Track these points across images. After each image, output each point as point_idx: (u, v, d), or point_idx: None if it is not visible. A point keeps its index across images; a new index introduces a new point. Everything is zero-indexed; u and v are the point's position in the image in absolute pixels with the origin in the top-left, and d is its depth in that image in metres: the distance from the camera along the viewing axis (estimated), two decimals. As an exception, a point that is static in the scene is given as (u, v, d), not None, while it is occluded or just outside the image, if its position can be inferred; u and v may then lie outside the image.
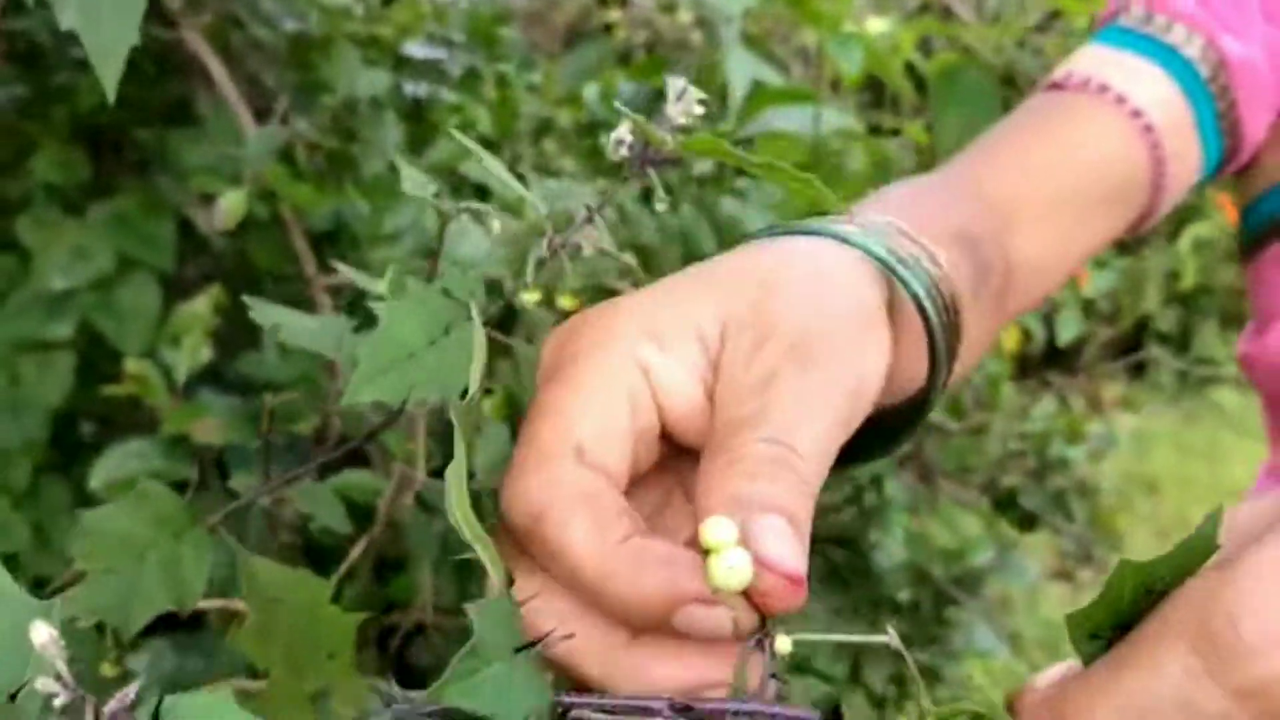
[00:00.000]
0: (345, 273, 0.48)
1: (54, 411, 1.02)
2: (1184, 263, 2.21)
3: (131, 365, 0.86)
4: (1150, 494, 3.25)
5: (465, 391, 0.35)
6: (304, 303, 0.95)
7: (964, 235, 0.49)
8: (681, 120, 0.37)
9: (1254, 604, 0.27)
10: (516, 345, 0.41)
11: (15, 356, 1.03)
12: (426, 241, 0.89)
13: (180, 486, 0.44)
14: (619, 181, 0.38)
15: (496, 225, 0.55)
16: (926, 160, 1.31)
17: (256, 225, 0.95)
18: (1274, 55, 0.63)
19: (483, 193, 1.03)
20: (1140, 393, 3.65)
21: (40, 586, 0.40)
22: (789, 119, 1.32)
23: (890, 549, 1.76)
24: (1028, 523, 1.70)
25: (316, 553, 0.95)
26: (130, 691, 0.25)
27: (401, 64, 1.04)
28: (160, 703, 0.25)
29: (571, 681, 0.34)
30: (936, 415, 1.55)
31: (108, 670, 0.45)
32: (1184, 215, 2.35)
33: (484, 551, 0.33)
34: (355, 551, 0.64)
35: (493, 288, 0.44)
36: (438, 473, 0.93)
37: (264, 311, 0.43)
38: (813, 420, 0.34)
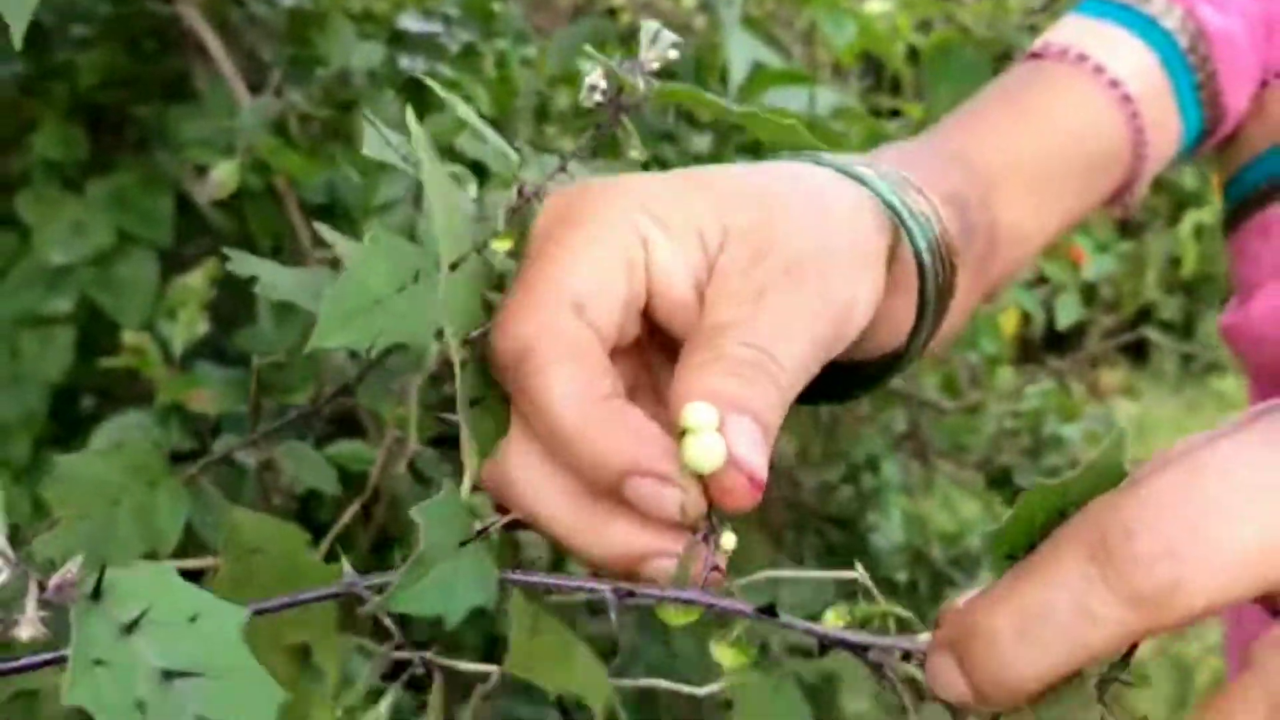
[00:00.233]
0: (329, 240, 0.48)
1: (54, 386, 1.03)
2: (1184, 248, 2.20)
3: (129, 337, 0.87)
4: (1152, 481, 3.24)
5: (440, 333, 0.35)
6: (300, 277, 0.95)
7: (955, 197, 0.49)
8: (655, 65, 0.37)
9: (1149, 518, 0.28)
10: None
11: (15, 331, 1.04)
12: (419, 214, 0.89)
13: (178, 457, 0.44)
14: (593, 129, 0.38)
15: (472, 189, 0.56)
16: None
17: (252, 199, 0.95)
18: (1253, 27, 0.63)
19: (479, 170, 1.03)
20: (1141, 381, 3.65)
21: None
22: (788, 100, 1.33)
23: (888, 530, 1.77)
24: (1022, 502, 1.70)
25: (313, 525, 0.96)
26: (73, 566, 0.26)
27: (398, 39, 1.05)
28: (102, 576, 0.26)
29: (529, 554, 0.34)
30: (932, 394, 1.56)
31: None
32: (1184, 200, 2.34)
33: (467, 434, 0.34)
34: (346, 515, 0.65)
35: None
36: (432, 441, 0.94)
37: (245, 264, 0.43)
38: (796, 336, 0.35)
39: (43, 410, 1.03)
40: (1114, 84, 0.59)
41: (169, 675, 0.25)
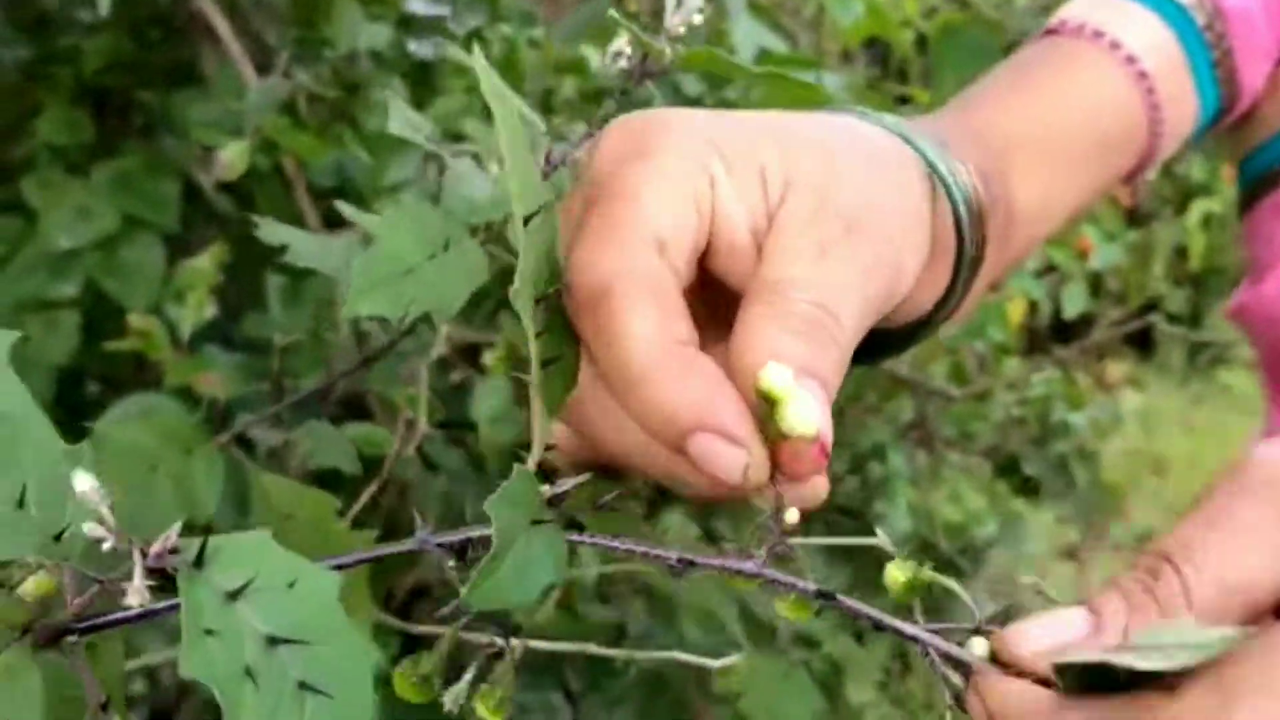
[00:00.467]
0: (349, 216, 0.48)
1: (59, 371, 1.03)
2: (1192, 238, 2.20)
3: (135, 320, 0.87)
4: (1157, 474, 3.25)
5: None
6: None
7: (977, 170, 0.49)
8: (681, 31, 0.37)
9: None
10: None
11: (21, 316, 1.04)
12: (429, 194, 0.89)
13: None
14: (618, 96, 0.38)
15: (495, 168, 0.56)
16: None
17: (260, 181, 0.95)
18: (1269, 4, 0.63)
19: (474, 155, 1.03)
20: (1147, 373, 3.64)
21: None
22: (794, 87, 1.33)
23: (894, 520, 1.77)
24: (1030, 490, 1.70)
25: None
26: (172, 534, 0.26)
27: (405, 22, 1.05)
28: (205, 543, 0.26)
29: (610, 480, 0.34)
30: (940, 381, 1.56)
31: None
32: (1191, 190, 2.34)
33: (538, 401, 0.33)
34: (364, 495, 0.65)
35: (488, 220, 0.45)
36: (441, 425, 0.94)
37: (271, 230, 0.43)
38: (855, 296, 0.35)
39: (48, 395, 1.03)
40: (1130, 60, 0.58)
41: (273, 641, 0.25)
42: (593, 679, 1.11)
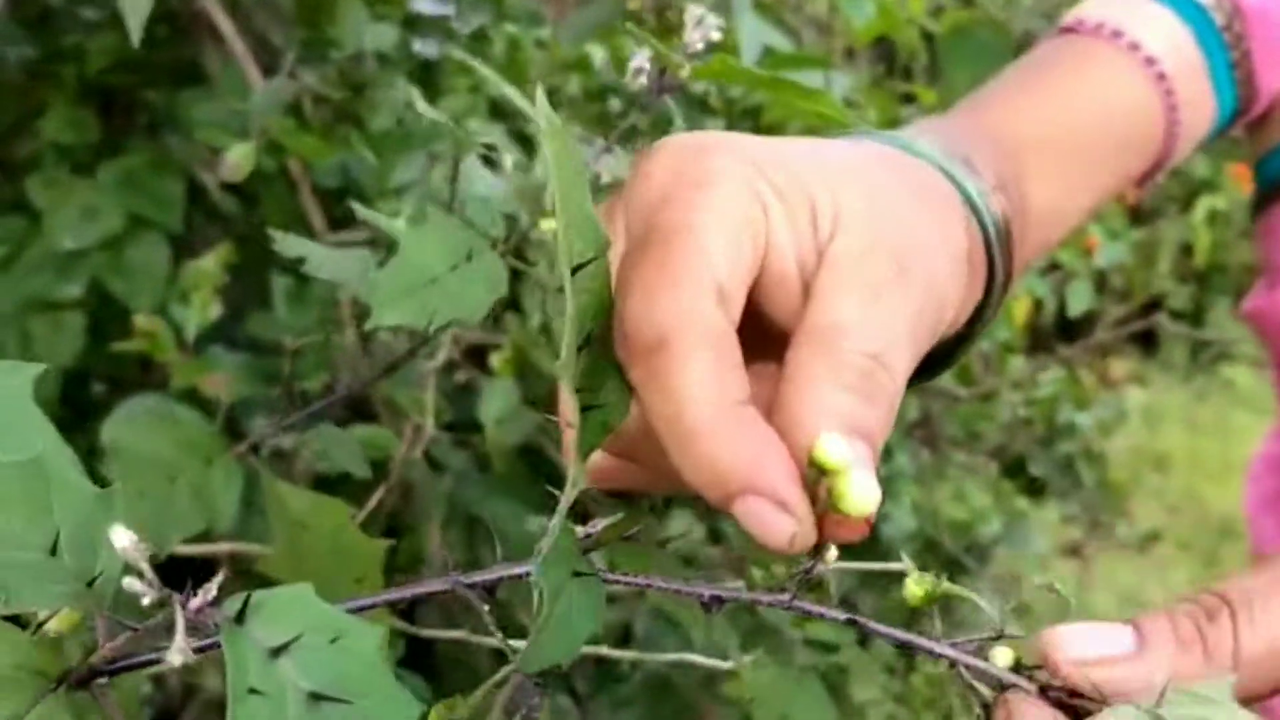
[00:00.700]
0: (362, 216, 0.48)
1: (65, 371, 1.03)
2: (1197, 235, 2.20)
3: (141, 321, 0.87)
4: (1160, 470, 3.25)
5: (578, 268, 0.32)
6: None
7: (998, 177, 0.49)
8: (700, 46, 0.37)
9: None
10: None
11: (26, 316, 1.03)
12: (434, 195, 0.89)
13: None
14: (636, 110, 0.37)
15: (509, 162, 0.55)
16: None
17: (265, 183, 0.95)
18: (1289, 3, 0.62)
19: (489, 150, 1.03)
20: (1151, 369, 3.64)
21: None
22: (802, 85, 1.32)
23: (899, 519, 1.77)
24: (1036, 490, 1.70)
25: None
26: (212, 587, 0.25)
27: (410, 22, 1.04)
28: (248, 598, 0.26)
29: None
30: (946, 381, 1.55)
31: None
32: (1197, 187, 2.33)
33: (573, 439, 0.32)
34: (372, 500, 0.64)
35: (508, 222, 0.44)
36: (448, 428, 0.94)
37: (288, 244, 0.43)
38: (905, 342, 0.34)
39: (53, 396, 1.03)
40: (1150, 61, 0.58)
41: (316, 698, 0.25)
42: (599, 681, 1.11)
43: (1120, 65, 0.58)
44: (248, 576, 0.46)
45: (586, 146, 0.49)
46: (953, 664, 0.33)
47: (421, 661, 0.93)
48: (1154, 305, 2.73)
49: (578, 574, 0.31)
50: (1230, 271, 2.97)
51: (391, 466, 0.77)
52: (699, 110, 1.34)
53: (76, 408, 1.05)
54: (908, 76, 1.71)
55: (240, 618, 0.26)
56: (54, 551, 0.27)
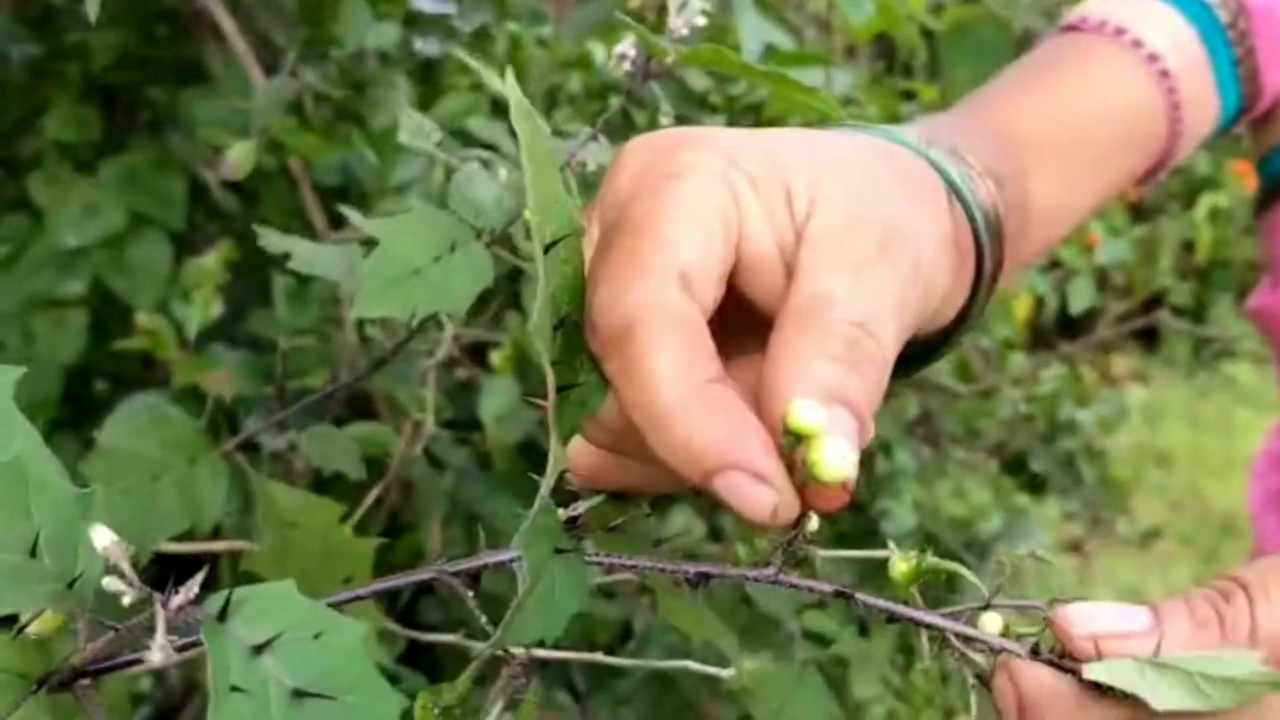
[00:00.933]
0: (354, 221, 0.48)
1: (67, 368, 1.03)
2: (1199, 232, 2.20)
3: (143, 319, 0.87)
4: (1161, 466, 3.24)
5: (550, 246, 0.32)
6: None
7: (991, 173, 0.48)
8: (684, 32, 0.37)
9: None
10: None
11: (28, 314, 1.03)
12: (434, 194, 0.89)
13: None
14: (623, 96, 0.37)
15: (503, 173, 0.55)
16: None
17: (266, 181, 0.95)
18: (1292, 1, 0.62)
19: (490, 150, 1.03)
20: (1153, 366, 3.64)
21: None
22: (804, 82, 1.32)
23: (899, 516, 1.77)
24: (1037, 486, 1.70)
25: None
26: (194, 585, 0.25)
27: (412, 21, 1.04)
28: (230, 594, 0.26)
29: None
30: (946, 378, 1.55)
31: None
32: (1199, 184, 2.33)
33: (555, 429, 0.32)
34: (369, 498, 0.64)
35: (504, 217, 0.44)
36: (448, 425, 0.94)
37: (274, 240, 0.43)
38: (892, 315, 0.34)
39: (55, 393, 1.03)
40: (1152, 59, 0.58)
41: (299, 695, 0.25)
42: (599, 678, 1.11)
43: (1123, 63, 0.58)
44: (247, 576, 0.46)
45: (572, 137, 0.49)
46: (943, 637, 0.33)
47: (422, 659, 0.93)
48: (1155, 302, 2.73)
49: (560, 551, 0.31)
50: (1232, 268, 2.97)
51: (391, 464, 0.77)
52: (698, 108, 1.34)
53: (78, 405, 1.05)
54: (908, 74, 1.71)
55: (222, 615, 0.26)
56: (33, 553, 0.27)
